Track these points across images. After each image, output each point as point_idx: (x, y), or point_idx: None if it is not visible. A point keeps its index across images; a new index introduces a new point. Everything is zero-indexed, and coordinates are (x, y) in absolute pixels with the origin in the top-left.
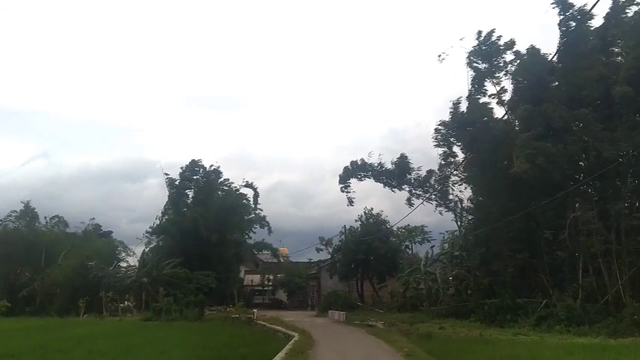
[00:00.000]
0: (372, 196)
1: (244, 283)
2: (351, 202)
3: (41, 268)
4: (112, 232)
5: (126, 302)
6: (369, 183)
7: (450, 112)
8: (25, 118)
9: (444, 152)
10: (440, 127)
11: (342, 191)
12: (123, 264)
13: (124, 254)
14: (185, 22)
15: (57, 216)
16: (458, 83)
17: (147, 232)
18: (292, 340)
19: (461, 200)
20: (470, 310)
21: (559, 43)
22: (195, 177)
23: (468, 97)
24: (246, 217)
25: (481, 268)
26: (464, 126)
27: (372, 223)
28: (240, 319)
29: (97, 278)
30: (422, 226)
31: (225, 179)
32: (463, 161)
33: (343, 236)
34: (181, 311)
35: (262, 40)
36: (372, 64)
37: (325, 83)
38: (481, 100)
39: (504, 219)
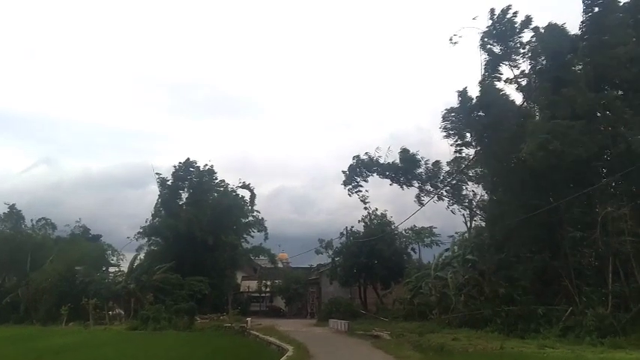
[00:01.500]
0: (374, 200)
1: (241, 290)
2: (364, 202)
3: (26, 273)
4: (101, 235)
5: (117, 309)
6: (372, 187)
7: (458, 98)
8: (26, 124)
9: (455, 142)
10: (448, 115)
11: (351, 193)
12: (113, 269)
13: (114, 259)
14: (187, 27)
15: (44, 218)
16: (459, 85)
17: (138, 233)
18: (285, 357)
19: (474, 196)
20: (485, 319)
21: (583, 19)
22: (189, 177)
23: (481, 82)
24: (243, 220)
25: (497, 272)
26: (475, 112)
27: (377, 225)
28: (233, 328)
29: (84, 284)
30: (430, 227)
31: (221, 180)
32: (475, 154)
33: (344, 238)
34: (170, 319)
35: (262, 45)
36: (373, 68)
37: (325, 89)
38: (496, 85)
39: (523, 217)
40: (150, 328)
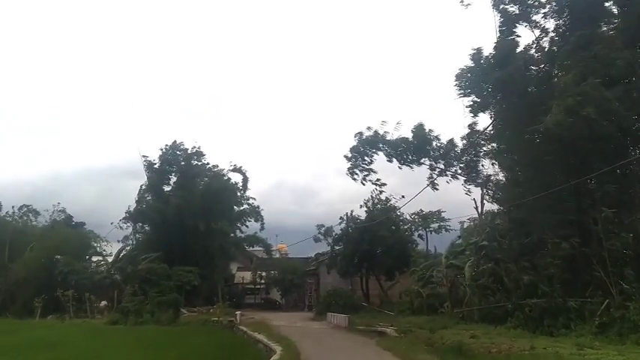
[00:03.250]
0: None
1: (235, 281)
2: (380, 185)
3: (5, 262)
4: (84, 223)
5: (102, 302)
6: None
7: (471, 58)
8: (26, 115)
9: (472, 102)
10: (462, 74)
11: (364, 178)
12: (96, 258)
13: (97, 246)
14: (185, 19)
15: (25, 205)
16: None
17: (123, 219)
18: None
19: (489, 176)
20: (506, 313)
21: None
22: (177, 160)
23: (496, 46)
24: (236, 208)
25: (518, 260)
26: (491, 72)
27: (380, 210)
28: (221, 323)
29: (63, 274)
30: (438, 210)
31: (214, 165)
32: (492, 126)
33: (344, 224)
34: (153, 313)
35: (262, 39)
36: (375, 60)
37: (328, 81)
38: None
39: (548, 197)
40: (130, 323)
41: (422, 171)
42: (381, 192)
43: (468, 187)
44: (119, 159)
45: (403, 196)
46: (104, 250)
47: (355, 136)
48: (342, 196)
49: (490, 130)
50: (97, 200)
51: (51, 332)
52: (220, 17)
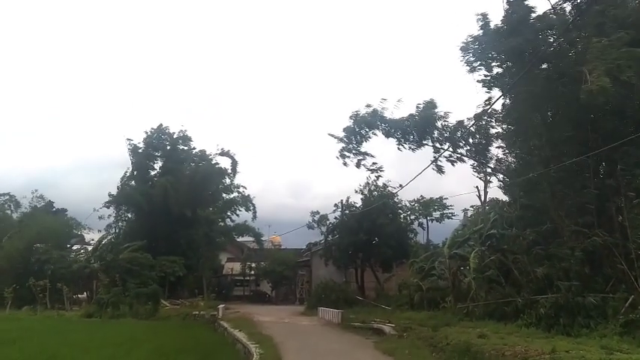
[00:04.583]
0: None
1: (224, 272)
2: (377, 170)
3: None
4: (66, 210)
5: (85, 292)
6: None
7: (480, 24)
8: (24, 110)
9: (484, 78)
10: (469, 46)
11: (358, 162)
12: (77, 247)
13: (79, 233)
14: (185, 14)
15: (7, 193)
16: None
17: (107, 203)
18: None
19: (500, 159)
20: (515, 309)
21: None
22: (162, 144)
23: (508, 12)
24: (226, 196)
25: (530, 250)
26: (504, 40)
27: (377, 197)
28: (203, 317)
29: (40, 263)
30: (440, 197)
31: (200, 150)
32: (503, 107)
33: (339, 211)
34: (131, 305)
35: (260, 32)
36: (371, 52)
37: (324, 72)
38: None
39: (566, 180)
40: (106, 316)
41: (422, 158)
42: (377, 177)
43: (474, 170)
44: (114, 153)
45: (401, 185)
46: (92, 240)
47: (351, 118)
48: (339, 190)
49: (501, 111)
50: (92, 191)
51: (13, 326)
52: (214, 3)
